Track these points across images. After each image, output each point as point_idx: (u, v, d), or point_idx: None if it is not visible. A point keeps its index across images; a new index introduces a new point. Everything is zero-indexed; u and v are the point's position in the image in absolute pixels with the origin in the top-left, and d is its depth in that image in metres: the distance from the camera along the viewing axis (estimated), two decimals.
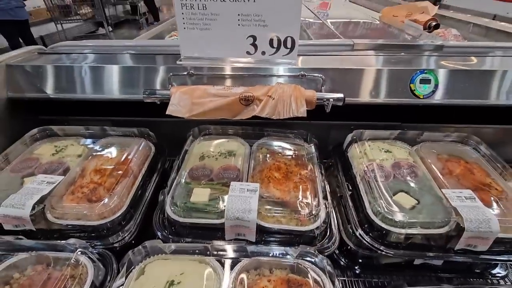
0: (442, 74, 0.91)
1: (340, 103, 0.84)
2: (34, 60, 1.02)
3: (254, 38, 0.86)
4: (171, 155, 0.96)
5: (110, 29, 6.45)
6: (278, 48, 0.87)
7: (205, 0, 0.82)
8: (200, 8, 0.83)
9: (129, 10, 7.65)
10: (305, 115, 0.77)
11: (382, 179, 0.78)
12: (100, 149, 0.91)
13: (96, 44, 1.15)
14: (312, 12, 2.33)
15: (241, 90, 0.80)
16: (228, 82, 0.92)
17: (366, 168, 0.82)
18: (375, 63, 0.99)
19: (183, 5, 0.84)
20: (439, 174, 0.80)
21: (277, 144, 0.95)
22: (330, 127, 1.06)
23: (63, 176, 0.78)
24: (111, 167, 0.82)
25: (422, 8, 1.56)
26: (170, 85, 0.91)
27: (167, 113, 0.78)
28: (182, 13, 0.85)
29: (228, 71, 0.92)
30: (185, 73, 0.91)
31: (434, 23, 1.46)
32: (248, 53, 0.88)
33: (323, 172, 0.85)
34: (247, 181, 0.79)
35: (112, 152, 0.90)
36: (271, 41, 0.86)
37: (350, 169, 0.87)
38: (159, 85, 0.93)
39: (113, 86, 0.94)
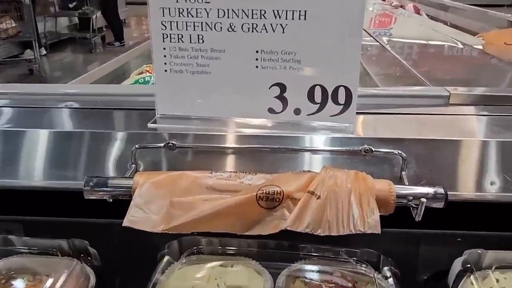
0: None
1: (440, 204, 0.79)
2: None
3: (283, 87, 0.87)
4: None
5: (44, 52, 6.85)
6: (322, 104, 0.87)
7: (202, 28, 0.85)
8: (194, 41, 0.86)
9: (77, 25, 8.25)
10: (378, 230, 0.72)
11: None
12: None
13: (18, 91, 1.19)
14: (367, 31, 2.43)
15: (260, 180, 0.76)
16: (234, 162, 0.90)
17: None
18: (490, 129, 0.98)
19: (165, 35, 0.86)
20: None
21: (323, 273, 0.87)
22: (418, 239, 1.00)
23: None
24: None
25: None
26: (133, 164, 0.88)
27: (124, 224, 0.73)
28: (164, 48, 0.87)
29: (233, 141, 0.90)
30: (161, 144, 0.89)
31: None
32: (271, 111, 0.89)
33: None
34: None
35: None
36: (310, 92, 0.86)
37: None
38: (114, 167, 0.91)
39: (35, 166, 0.93)
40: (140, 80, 1.69)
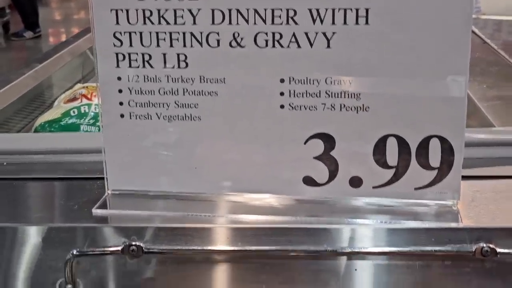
0: None
1: None
2: None
3: (328, 141, 0.63)
4: None
5: None
6: (401, 168, 0.63)
7: (184, 43, 0.60)
8: (171, 65, 0.61)
9: None
10: None
11: None
12: None
13: None
14: None
15: None
16: (248, 276, 0.64)
17: None
18: None
19: (121, 56, 0.61)
20: None
21: None
22: None
23: None
24: None
25: None
26: (68, 285, 0.62)
27: None
28: (118, 78, 0.62)
29: (244, 240, 0.62)
30: (117, 248, 0.61)
31: None
32: (309, 181, 0.65)
33: None
34: None
35: None
36: (379, 148, 0.62)
37: None
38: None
39: None
40: (71, 113, 1.12)
